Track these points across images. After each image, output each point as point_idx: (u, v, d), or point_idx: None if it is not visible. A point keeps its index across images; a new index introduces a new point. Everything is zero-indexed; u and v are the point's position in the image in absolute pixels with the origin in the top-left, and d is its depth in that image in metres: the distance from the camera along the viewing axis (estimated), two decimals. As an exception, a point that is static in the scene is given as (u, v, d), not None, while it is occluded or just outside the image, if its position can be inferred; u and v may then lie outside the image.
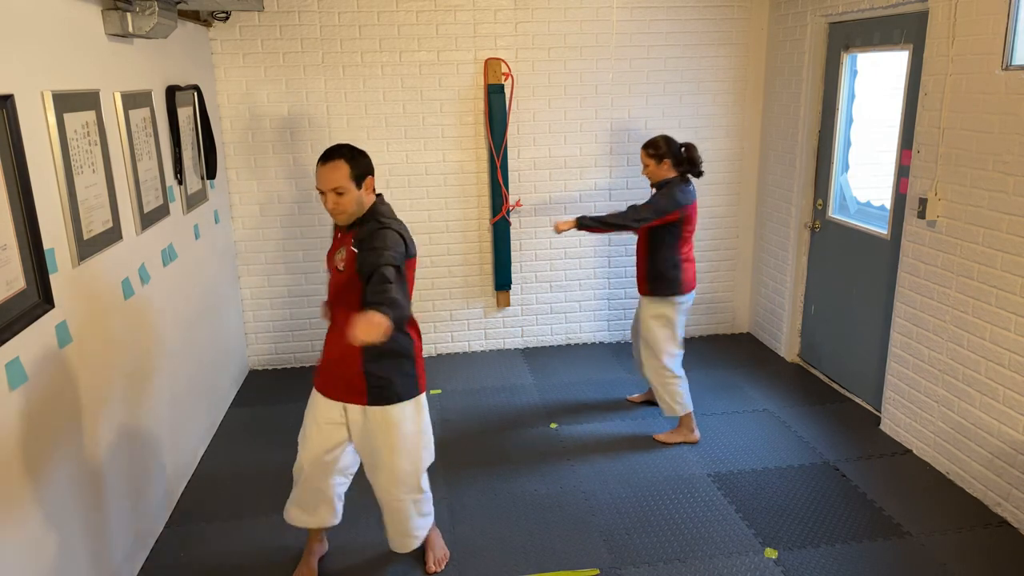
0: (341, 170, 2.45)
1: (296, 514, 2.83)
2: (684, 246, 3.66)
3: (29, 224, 2.23)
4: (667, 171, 3.60)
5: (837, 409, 4.22)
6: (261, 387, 4.69)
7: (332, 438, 2.69)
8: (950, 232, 3.39)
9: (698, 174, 3.65)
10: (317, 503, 2.80)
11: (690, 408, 3.82)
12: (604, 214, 3.70)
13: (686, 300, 3.74)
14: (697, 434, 3.85)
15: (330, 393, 2.65)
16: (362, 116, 4.65)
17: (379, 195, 2.62)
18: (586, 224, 3.62)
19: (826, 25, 4.41)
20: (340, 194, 2.46)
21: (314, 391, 2.72)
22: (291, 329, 4.94)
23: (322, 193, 2.49)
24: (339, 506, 2.85)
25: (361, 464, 2.81)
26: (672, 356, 3.78)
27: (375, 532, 3.11)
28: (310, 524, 2.82)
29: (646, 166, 3.65)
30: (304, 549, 2.95)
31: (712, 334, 5.45)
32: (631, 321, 4.76)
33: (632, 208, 3.58)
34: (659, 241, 3.64)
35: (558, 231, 3.66)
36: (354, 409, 2.63)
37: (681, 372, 3.80)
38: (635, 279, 3.96)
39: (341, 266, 2.53)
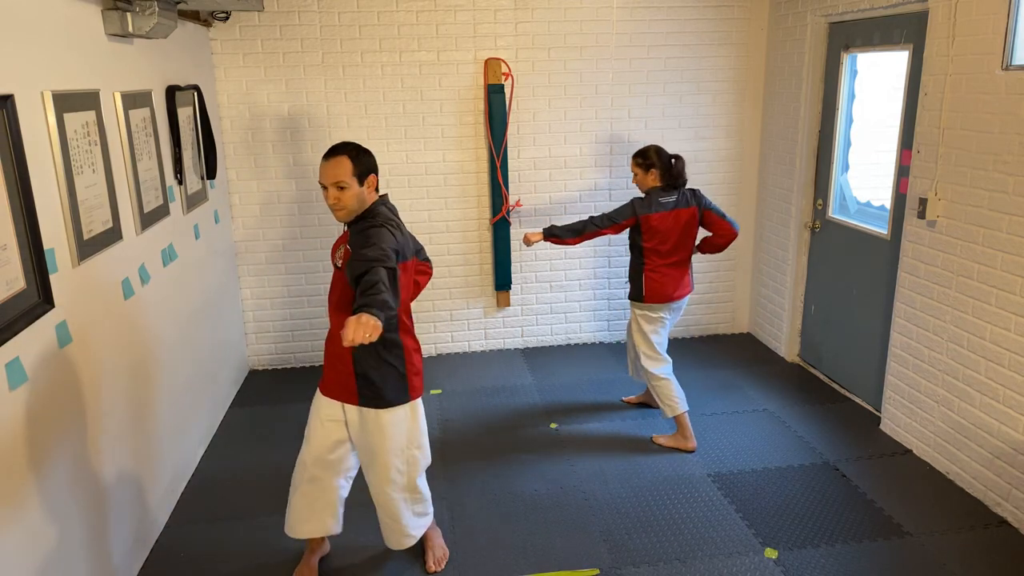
0: (344, 165, 2.46)
1: (298, 525, 2.80)
2: (649, 257, 3.67)
3: (29, 224, 2.23)
4: (653, 181, 3.66)
5: (837, 409, 4.22)
6: (261, 387, 4.69)
7: (332, 435, 2.71)
8: (950, 232, 3.39)
9: (678, 186, 3.65)
10: (320, 507, 2.79)
11: (686, 408, 3.78)
12: (571, 223, 3.79)
13: (657, 311, 3.73)
14: (693, 443, 3.78)
15: (329, 392, 2.70)
16: (362, 116, 4.65)
17: (383, 195, 2.61)
18: (554, 234, 3.73)
19: (826, 25, 4.41)
20: (341, 188, 2.47)
21: (318, 390, 2.76)
22: (291, 329, 4.95)
23: (324, 188, 2.50)
24: (341, 512, 2.85)
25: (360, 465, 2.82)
26: (650, 359, 3.78)
27: (375, 532, 3.11)
28: (314, 533, 2.81)
29: (634, 175, 3.74)
30: (305, 549, 2.95)
31: (712, 334, 5.45)
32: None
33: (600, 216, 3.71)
34: (630, 247, 3.79)
35: (528, 243, 3.75)
36: (351, 408, 2.66)
37: (666, 375, 3.78)
38: None
39: (339, 263, 2.56)
